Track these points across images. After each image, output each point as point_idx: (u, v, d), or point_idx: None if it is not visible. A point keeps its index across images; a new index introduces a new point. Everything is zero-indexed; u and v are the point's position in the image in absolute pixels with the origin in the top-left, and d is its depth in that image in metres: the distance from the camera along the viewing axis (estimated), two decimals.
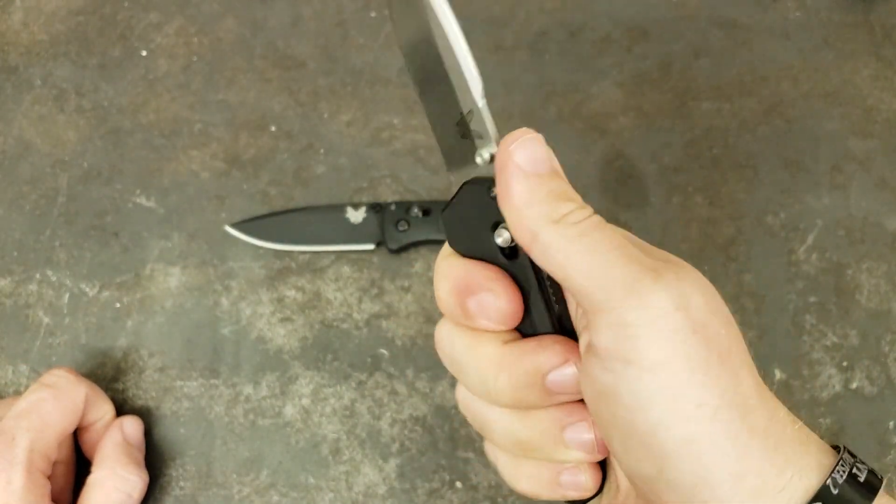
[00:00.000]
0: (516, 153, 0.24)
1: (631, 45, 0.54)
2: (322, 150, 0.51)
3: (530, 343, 0.26)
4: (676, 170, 0.50)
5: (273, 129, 0.52)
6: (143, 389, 0.45)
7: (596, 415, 0.24)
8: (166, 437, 0.44)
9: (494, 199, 0.24)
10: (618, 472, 0.27)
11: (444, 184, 0.50)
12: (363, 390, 0.45)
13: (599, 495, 0.27)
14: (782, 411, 0.23)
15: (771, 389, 0.26)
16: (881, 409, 0.44)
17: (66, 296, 0.48)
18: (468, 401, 0.28)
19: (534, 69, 0.53)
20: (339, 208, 0.49)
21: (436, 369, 0.45)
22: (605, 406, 0.23)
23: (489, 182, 0.25)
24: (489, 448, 0.29)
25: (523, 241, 0.24)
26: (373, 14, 0.55)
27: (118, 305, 0.47)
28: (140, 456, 0.42)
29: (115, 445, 0.40)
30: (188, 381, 0.46)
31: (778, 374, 0.45)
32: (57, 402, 0.39)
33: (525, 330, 0.26)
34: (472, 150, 0.25)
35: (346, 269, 0.48)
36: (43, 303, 0.48)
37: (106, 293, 0.48)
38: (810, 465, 0.22)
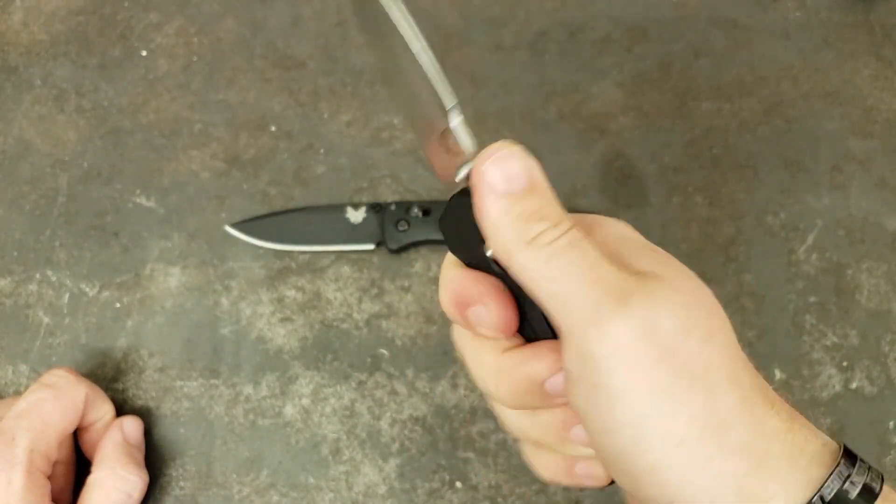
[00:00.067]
0: (488, 173, 0.23)
1: (631, 45, 0.54)
2: (322, 150, 0.51)
3: (526, 352, 0.26)
4: (676, 170, 0.50)
5: (273, 129, 0.52)
6: (143, 389, 0.45)
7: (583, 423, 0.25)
8: (166, 437, 0.44)
9: None
10: None
11: (443, 183, 0.50)
12: (363, 390, 0.45)
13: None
14: (773, 421, 0.22)
15: None
16: (881, 409, 0.44)
17: (66, 296, 0.48)
18: (486, 396, 0.29)
19: (534, 69, 0.53)
20: (339, 208, 0.49)
21: (436, 369, 0.45)
22: (583, 421, 0.24)
23: None
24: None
25: (501, 260, 0.24)
26: None
27: (118, 305, 0.47)
28: (140, 456, 0.42)
29: (115, 445, 0.40)
30: (188, 381, 0.46)
31: (778, 374, 0.45)
32: (57, 402, 0.39)
33: (527, 334, 0.26)
34: (455, 166, 0.25)
35: (346, 269, 0.48)
36: (43, 303, 0.48)
37: (106, 293, 0.48)
38: (798, 480, 0.21)
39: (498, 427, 0.44)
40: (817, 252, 0.48)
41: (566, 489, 0.43)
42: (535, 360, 0.25)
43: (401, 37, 0.23)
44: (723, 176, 0.50)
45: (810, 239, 0.48)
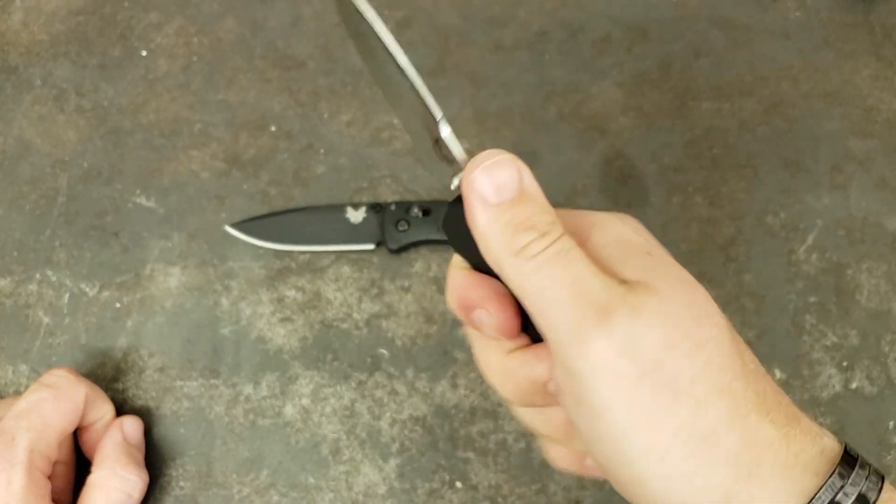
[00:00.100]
0: (476, 181, 0.23)
1: (631, 45, 0.54)
2: (322, 150, 0.51)
3: (528, 354, 0.26)
4: (676, 170, 0.50)
5: (273, 129, 0.52)
6: (143, 389, 0.45)
7: None
8: (166, 437, 0.44)
9: None
10: None
11: (444, 184, 0.50)
12: (363, 390, 0.45)
13: None
14: (766, 430, 0.22)
15: None
16: (881, 409, 0.44)
17: (66, 296, 0.48)
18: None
19: (534, 69, 0.53)
20: (339, 208, 0.49)
21: (436, 369, 0.45)
22: (575, 427, 0.24)
23: None
24: None
25: (493, 268, 0.24)
26: None
27: (118, 305, 0.47)
28: (140, 456, 0.42)
29: (115, 445, 0.40)
30: (188, 381, 0.46)
31: (778, 374, 0.45)
32: (57, 402, 0.39)
33: (533, 334, 0.27)
34: (449, 174, 0.26)
35: (346, 269, 0.48)
36: (43, 303, 0.48)
37: (106, 293, 0.48)
38: (789, 491, 0.21)
39: (498, 427, 0.44)
40: (817, 252, 0.48)
41: (566, 489, 0.43)
42: (536, 362, 0.26)
43: (387, 49, 0.23)
44: (723, 176, 0.50)
45: (810, 239, 0.48)
